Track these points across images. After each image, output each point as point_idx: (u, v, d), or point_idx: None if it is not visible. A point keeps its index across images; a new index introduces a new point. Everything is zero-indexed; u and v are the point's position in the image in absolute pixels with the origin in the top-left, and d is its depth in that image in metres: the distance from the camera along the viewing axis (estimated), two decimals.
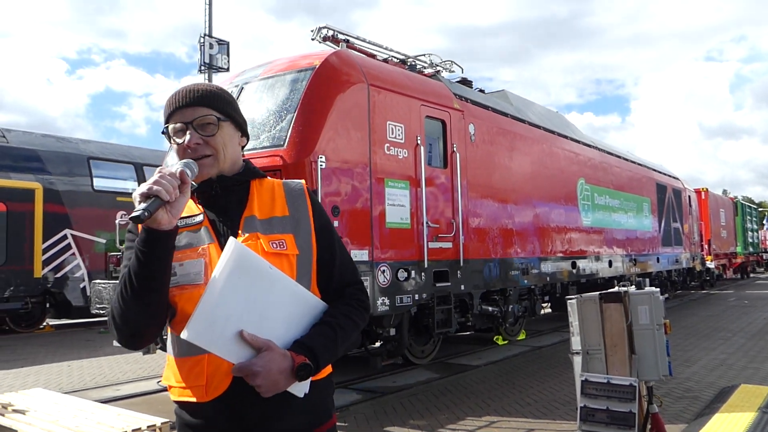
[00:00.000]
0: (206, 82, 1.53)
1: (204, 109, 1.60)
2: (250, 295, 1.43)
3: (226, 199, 1.62)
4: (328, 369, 1.65)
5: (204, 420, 1.52)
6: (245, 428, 1.51)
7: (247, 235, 1.56)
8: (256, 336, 1.42)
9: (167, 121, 1.63)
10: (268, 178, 1.72)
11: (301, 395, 1.50)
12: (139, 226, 1.45)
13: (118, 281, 1.51)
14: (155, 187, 1.36)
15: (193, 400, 1.51)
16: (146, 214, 1.33)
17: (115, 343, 6.62)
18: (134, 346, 1.55)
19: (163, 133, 1.66)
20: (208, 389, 1.49)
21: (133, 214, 1.33)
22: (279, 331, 1.47)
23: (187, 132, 1.58)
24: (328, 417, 1.64)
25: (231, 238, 1.46)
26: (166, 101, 1.65)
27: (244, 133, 1.72)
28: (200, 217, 1.59)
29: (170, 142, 1.64)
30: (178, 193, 1.40)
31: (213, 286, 1.40)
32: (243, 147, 1.73)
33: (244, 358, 1.41)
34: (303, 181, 1.75)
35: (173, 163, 1.52)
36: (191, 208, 1.60)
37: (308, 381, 1.49)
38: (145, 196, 1.36)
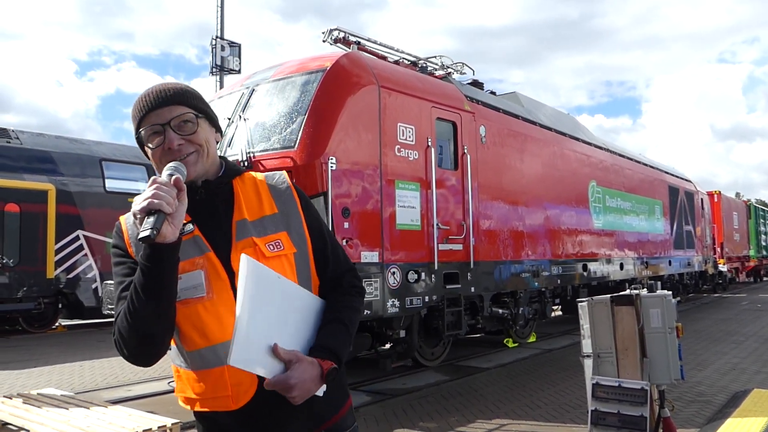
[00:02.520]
0: (172, 81, 1.47)
1: (180, 108, 1.52)
2: (270, 308, 1.42)
3: (211, 204, 1.56)
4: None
5: (229, 428, 1.53)
6: (273, 430, 1.52)
7: (243, 240, 1.51)
8: (284, 348, 1.41)
9: (140, 126, 1.54)
10: (249, 173, 1.66)
11: (321, 394, 1.50)
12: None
13: (116, 302, 1.47)
14: (156, 201, 1.31)
15: (220, 410, 1.51)
16: (155, 232, 1.29)
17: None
18: (146, 363, 1.49)
19: (137, 139, 1.57)
20: (234, 399, 1.48)
21: (142, 235, 1.29)
22: (296, 338, 1.48)
23: (165, 133, 1.50)
24: (345, 397, 1.67)
25: (243, 256, 1.39)
26: (134, 106, 1.55)
27: (218, 129, 1.66)
28: (190, 227, 1.52)
29: (144, 148, 1.56)
30: (177, 202, 1.35)
31: (242, 309, 1.36)
32: (218, 143, 1.67)
33: (277, 371, 1.41)
34: (284, 172, 1.70)
35: (163, 171, 1.45)
36: None
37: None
38: (146, 212, 1.31)
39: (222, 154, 1.71)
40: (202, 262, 1.48)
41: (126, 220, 1.57)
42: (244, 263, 1.38)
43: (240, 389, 1.47)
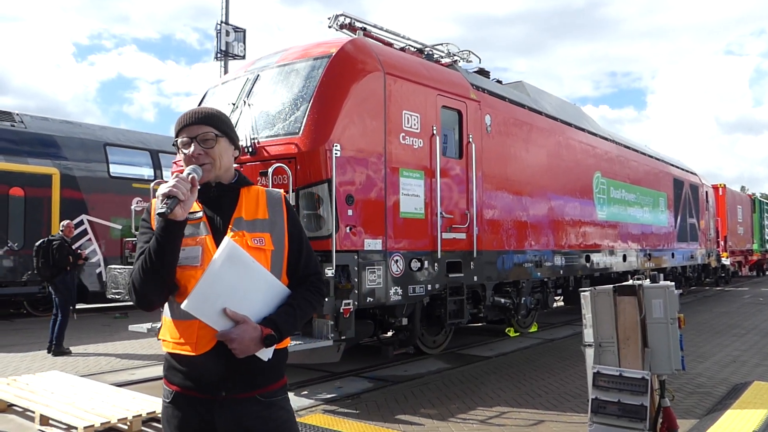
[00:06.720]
0: (207, 106, 2.11)
1: (205, 127, 2.03)
2: (235, 281, 1.88)
3: (220, 201, 2.04)
4: (287, 342, 2.08)
5: (189, 368, 1.95)
6: (218, 379, 1.92)
7: (235, 231, 1.98)
8: (236, 312, 1.87)
9: (176, 136, 2.06)
10: (255, 186, 2.14)
11: (266, 359, 1.95)
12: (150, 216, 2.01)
13: (136, 260, 1.95)
14: (174, 189, 1.82)
15: (184, 352, 1.93)
16: (169, 210, 1.80)
17: (131, 328, 6.69)
18: (148, 308, 1.98)
19: (174, 145, 2.09)
20: (197, 346, 1.92)
21: (160, 211, 1.80)
22: (254, 310, 1.93)
23: (192, 145, 2.02)
24: (280, 377, 2.07)
25: (226, 237, 1.91)
26: (177, 120, 2.08)
27: (237, 147, 2.16)
28: (200, 214, 1.99)
29: (178, 153, 2.07)
30: (189, 193, 1.86)
31: (209, 272, 1.85)
32: (235, 158, 2.16)
33: (225, 327, 1.87)
34: (282, 191, 2.20)
35: (185, 169, 1.96)
36: (193, 206, 1.95)
37: (272, 348, 1.96)
38: (166, 196, 1.82)
39: None
40: (202, 241, 1.96)
41: (155, 202, 2.02)
42: (225, 241, 1.90)
43: (202, 340, 1.91)
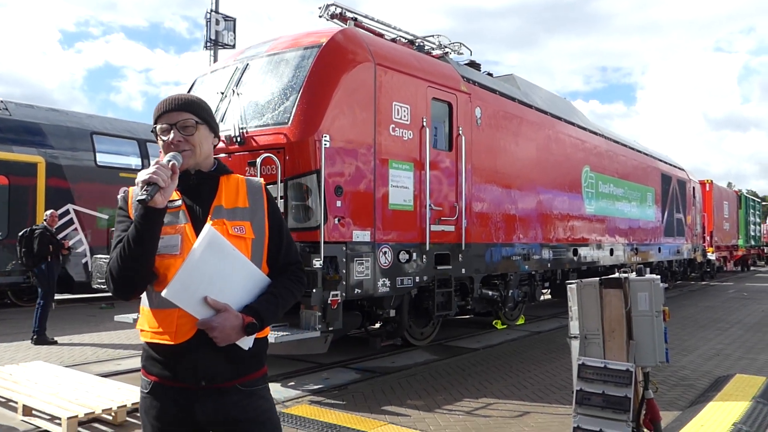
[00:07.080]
0: (187, 93, 2.17)
1: (185, 114, 2.00)
2: (216, 269, 1.86)
3: (200, 190, 2.01)
4: (267, 330, 2.06)
5: (168, 358, 1.92)
6: (198, 369, 1.89)
7: (215, 219, 1.95)
8: (217, 300, 1.85)
9: (155, 122, 2.03)
10: (234, 174, 2.11)
11: (246, 348, 1.93)
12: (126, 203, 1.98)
13: (113, 248, 1.92)
14: (154, 176, 1.78)
15: (163, 342, 1.91)
16: (149, 197, 1.76)
17: (117, 318, 6.63)
18: (126, 297, 1.95)
19: (152, 131, 2.07)
20: (176, 335, 1.89)
21: (140, 198, 1.76)
22: (235, 298, 1.90)
23: (171, 131, 1.98)
24: (260, 366, 2.05)
25: (207, 224, 1.88)
26: (155, 107, 2.05)
27: (216, 135, 2.13)
28: (179, 202, 1.97)
29: (157, 140, 2.04)
30: (170, 181, 1.83)
31: (190, 260, 1.82)
32: (215, 146, 2.13)
33: (206, 316, 1.85)
34: (262, 179, 2.17)
35: (165, 156, 1.92)
36: (172, 194, 1.93)
37: (253, 337, 1.93)
38: (146, 183, 1.78)
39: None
40: (181, 229, 1.93)
41: (133, 190, 1.99)
42: (206, 229, 1.87)
43: (182, 329, 1.88)
